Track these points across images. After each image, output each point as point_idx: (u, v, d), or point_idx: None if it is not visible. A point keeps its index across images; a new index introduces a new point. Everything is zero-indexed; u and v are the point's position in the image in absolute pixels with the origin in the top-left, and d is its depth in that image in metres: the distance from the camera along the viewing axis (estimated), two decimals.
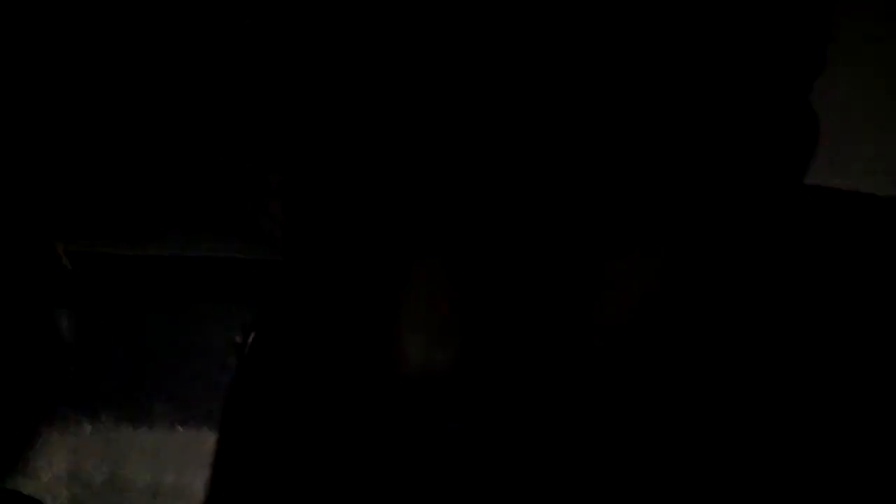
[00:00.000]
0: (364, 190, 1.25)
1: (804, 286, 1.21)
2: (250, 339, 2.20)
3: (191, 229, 2.50)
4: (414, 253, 1.25)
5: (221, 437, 1.58)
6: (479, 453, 1.20)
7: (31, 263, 2.40)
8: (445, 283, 1.20)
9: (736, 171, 1.08)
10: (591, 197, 1.07)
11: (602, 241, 1.11)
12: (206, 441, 3.01)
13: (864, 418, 1.19)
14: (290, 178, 1.48)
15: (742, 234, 1.16)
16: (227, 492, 1.49)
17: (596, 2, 1.00)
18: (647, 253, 1.11)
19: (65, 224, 2.34)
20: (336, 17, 1.11)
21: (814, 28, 0.99)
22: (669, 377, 1.17)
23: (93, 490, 3.08)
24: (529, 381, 1.17)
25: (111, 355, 3.15)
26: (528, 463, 1.18)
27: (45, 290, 2.46)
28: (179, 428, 3.09)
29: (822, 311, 1.21)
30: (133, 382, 3.12)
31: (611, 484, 1.18)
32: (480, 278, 1.13)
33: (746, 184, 1.08)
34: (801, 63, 1.04)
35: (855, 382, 1.20)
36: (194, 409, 3.04)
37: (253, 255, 2.55)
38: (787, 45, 0.99)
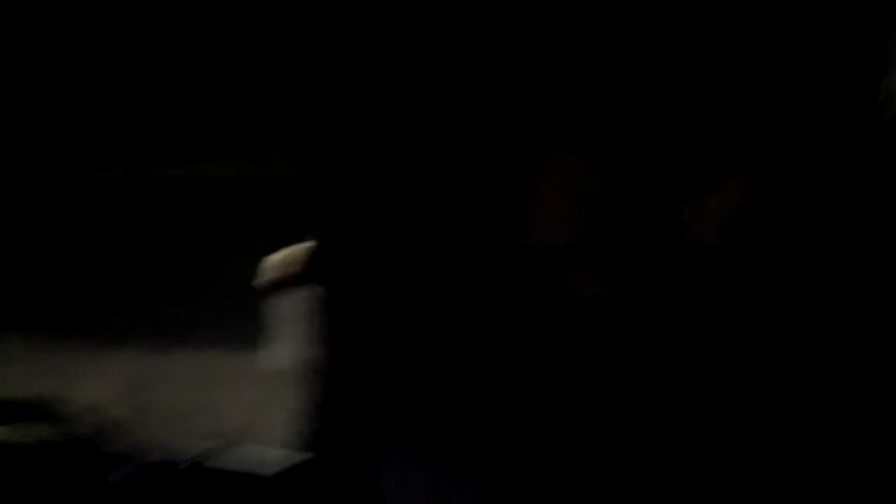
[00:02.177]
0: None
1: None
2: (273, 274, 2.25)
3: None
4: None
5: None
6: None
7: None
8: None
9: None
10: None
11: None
12: (231, 363, 3.10)
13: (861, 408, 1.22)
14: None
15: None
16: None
17: None
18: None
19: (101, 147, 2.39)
20: None
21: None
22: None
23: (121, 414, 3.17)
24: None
25: (137, 284, 3.23)
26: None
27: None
28: (205, 352, 3.17)
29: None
30: (158, 310, 3.20)
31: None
32: None
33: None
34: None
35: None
36: (218, 335, 3.12)
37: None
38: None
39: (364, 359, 1.53)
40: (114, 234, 3.12)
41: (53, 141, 2.32)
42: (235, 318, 3.12)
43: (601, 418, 1.32)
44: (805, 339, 1.25)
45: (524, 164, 1.29)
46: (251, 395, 3.07)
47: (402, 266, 1.57)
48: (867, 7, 1.04)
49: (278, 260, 2.29)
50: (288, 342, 3.04)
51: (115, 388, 3.24)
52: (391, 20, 1.44)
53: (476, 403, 1.40)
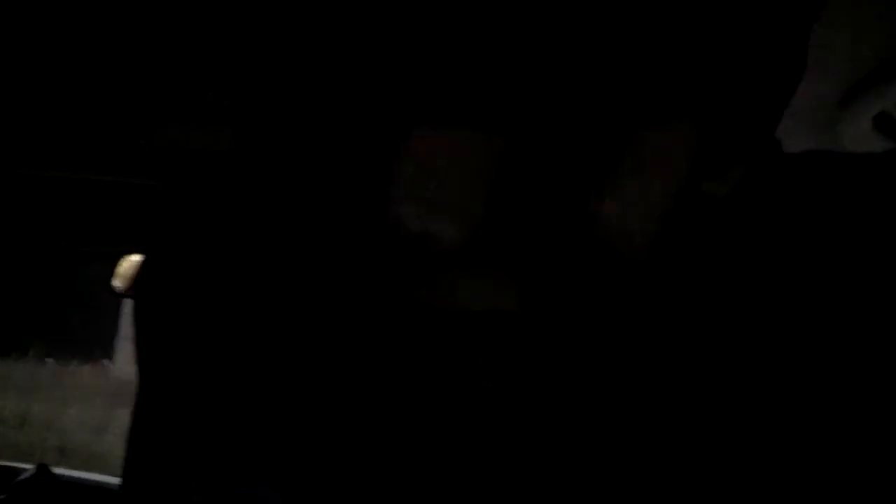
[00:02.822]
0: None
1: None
2: (129, 277, 2.24)
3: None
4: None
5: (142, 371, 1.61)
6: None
7: None
8: None
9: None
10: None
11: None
12: (76, 374, 3.05)
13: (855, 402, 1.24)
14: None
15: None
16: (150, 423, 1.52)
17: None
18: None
19: None
20: None
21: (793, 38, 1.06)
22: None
23: None
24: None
25: (12, 298, 3.15)
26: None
27: None
28: (49, 361, 3.11)
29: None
30: (2, 316, 3.13)
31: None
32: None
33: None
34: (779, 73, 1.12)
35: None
36: (66, 343, 3.07)
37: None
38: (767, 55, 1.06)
39: (186, 380, 1.52)
40: None
41: None
42: (84, 326, 3.07)
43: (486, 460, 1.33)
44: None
45: (387, 146, 1.27)
46: (94, 410, 3.02)
47: (232, 276, 1.57)
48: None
49: (124, 269, 2.27)
50: (131, 356, 3.00)
51: None
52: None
53: (318, 425, 1.39)
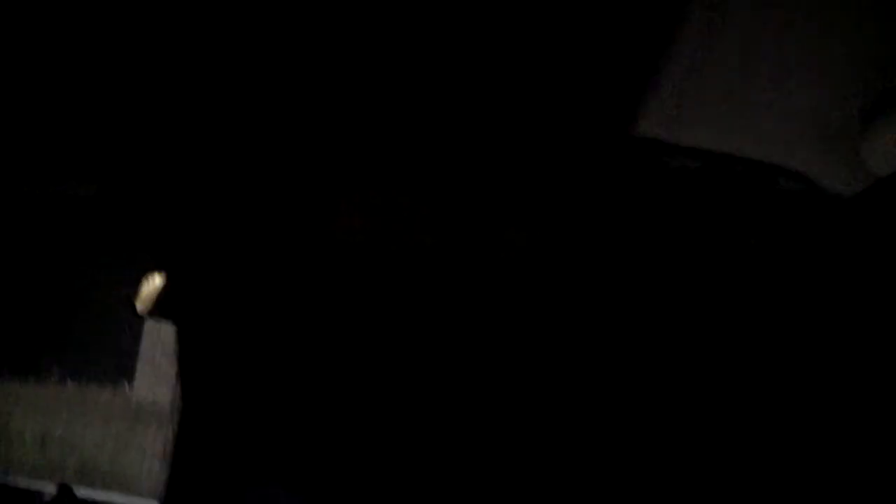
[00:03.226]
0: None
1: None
2: (145, 294, 2.26)
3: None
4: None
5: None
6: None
7: None
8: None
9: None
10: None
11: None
12: (96, 396, 3.06)
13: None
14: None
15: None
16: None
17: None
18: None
19: None
20: None
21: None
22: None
23: None
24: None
25: (29, 317, 3.16)
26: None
27: None
28: (69, 382, 3.12)
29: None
30: (23, 336, 3.14)
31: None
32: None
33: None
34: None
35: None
36: (84, 364, 3.07)
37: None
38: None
39: (224, 395, 1.54)
40: None
41: None
42: (104, 347, 3.08)
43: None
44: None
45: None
46: (114, 431, 3.02)
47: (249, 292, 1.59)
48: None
49: (146, 291, 2.28)
50: (162, 374, 3.01)
51: None
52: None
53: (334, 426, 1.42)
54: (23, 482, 2.75)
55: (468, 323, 1.30)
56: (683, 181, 1.20)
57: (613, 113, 1.10)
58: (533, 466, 1.31)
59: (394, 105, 1.28)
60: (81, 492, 2.58)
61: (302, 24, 1.16)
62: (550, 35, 1.10)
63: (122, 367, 3.07)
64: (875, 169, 1.18)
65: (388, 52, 1.16)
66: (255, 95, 1.33)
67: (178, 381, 1.73)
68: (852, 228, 1.20)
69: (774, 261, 1.26)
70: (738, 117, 1.11)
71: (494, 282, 1.28)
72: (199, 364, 1.66)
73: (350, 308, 1.37)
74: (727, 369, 1.29)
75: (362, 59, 1.18)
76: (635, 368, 1.32)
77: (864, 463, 1.24)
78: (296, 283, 1.42)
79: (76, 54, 1.43)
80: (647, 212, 1.25)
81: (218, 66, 1.30)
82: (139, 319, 2.83)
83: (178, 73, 1.36)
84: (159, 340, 2.90)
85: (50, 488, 2.56)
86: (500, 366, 1.31)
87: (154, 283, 2.25)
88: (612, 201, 1.26)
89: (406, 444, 1.26)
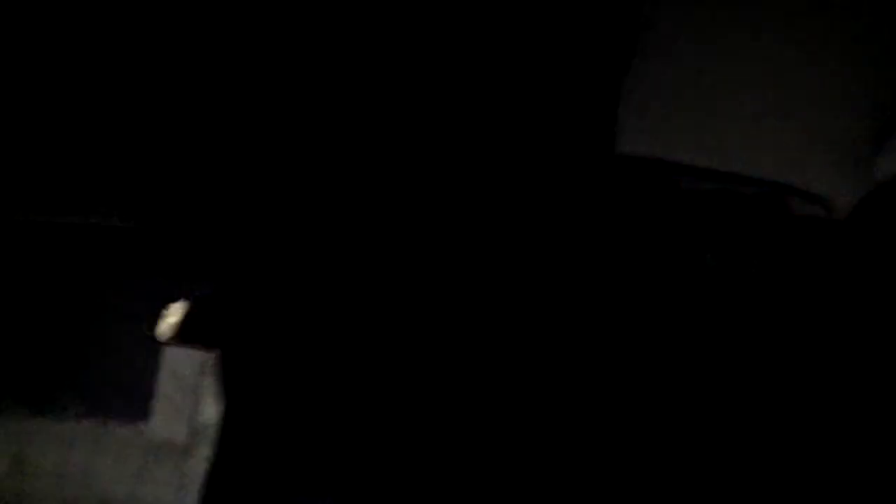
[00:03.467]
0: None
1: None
2: (163, 328, 2.26)
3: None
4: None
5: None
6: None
7: None
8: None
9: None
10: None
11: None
12: (113, 430, 3.06)
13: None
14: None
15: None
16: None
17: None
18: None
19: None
20: None
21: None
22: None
23: None
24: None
25: (17, 342, 3.16)
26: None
27: None
28: (87, 417, 3.12)
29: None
30: (41, 370, 3.14)
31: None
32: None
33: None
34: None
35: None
36: (102, 399, 3.07)
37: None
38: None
39: (267, 415, 1.54)
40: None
41: None
42: (122, 382, 3.08)
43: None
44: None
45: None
46: (131, 467, 3.02)
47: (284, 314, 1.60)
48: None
49: (168, 317, 2.28)
50: (177, 409, 3.01)
51: None
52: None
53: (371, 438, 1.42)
54: None
55: (476, 326, 1.30)
56: (692, 203, 1.20)
57: (609, 132, 1.10)
58: (532, 467, 1.30)
59: (393, 124, 1.28)
60: None
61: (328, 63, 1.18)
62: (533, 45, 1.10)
63: (138, 403, 3.07)
64: None
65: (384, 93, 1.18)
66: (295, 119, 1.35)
67: (222, 402, 1.74)
68: (855, 241, 1.20)
69: (781, 284, 1.26)
70: (743, 134, 1.11)
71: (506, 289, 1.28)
72: (245, 382, 1.66)
73: (392, 323, 1.38)
74: (727, 384, 1.29)
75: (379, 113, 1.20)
76: (632, 381, 1.32)
77: (849, 474, 1.24)
78: (336, 301, 1.43)
79: (114, 79, 1.45)
80: (652, 233, 1.25)
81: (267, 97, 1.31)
82: (156, 353, 2.83)
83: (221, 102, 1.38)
84: (175, 376, 2.91)
85: None
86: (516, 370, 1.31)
87: (175, 309, 2.25)
88: (611, 220, 1.26)
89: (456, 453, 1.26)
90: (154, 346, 2.75)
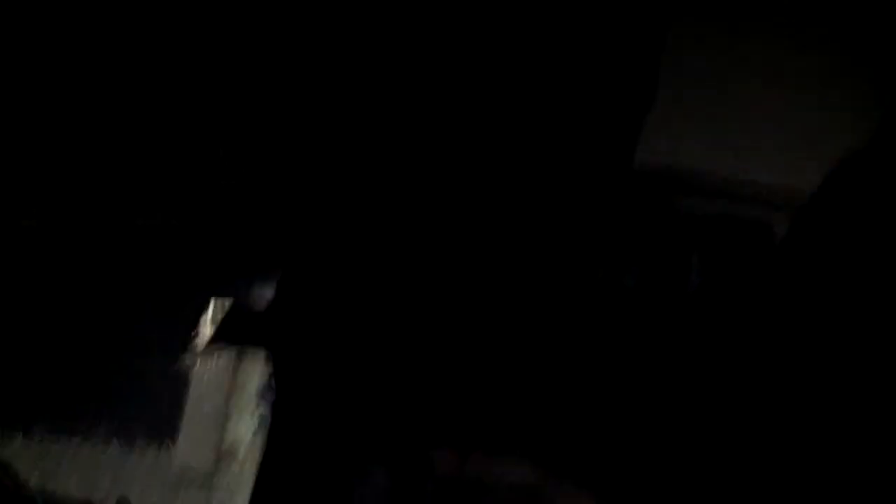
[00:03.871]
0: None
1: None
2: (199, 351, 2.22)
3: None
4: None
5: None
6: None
7: None
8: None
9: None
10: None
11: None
12: (140, 456, 3.03)
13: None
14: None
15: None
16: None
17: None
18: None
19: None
20: None
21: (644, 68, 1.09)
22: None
23: None
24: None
25: (44, 365, 3.15)
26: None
27: None
28: (113, 442, 3.10)
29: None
30: (65, 394, 3.13)
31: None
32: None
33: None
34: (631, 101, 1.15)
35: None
36: (130, 424, 3.05)
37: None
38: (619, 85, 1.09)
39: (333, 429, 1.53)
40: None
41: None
42: (149, 407, 3.06)
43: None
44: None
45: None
46: (157, 494, 3.00)
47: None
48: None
49: (212, 316, 2.23)
50: (195, 440, 2.98)
51: (17, 473, 3.14)
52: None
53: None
54: None
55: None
56: (688, 227, 1.20)
57: (614, 144, 1.09)
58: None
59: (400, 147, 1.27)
60: None
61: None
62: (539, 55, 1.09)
63: (165, 429, 3.05)
64: None
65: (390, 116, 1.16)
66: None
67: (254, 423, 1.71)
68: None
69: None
70: (744, 141, 1.10)
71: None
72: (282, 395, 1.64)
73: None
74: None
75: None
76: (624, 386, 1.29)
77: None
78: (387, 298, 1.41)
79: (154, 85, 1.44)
80: (645, 249, 1.25)
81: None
82: (182, 379, 2.81)
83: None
84: (200, 402, 2.88)
85: None
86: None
87: (213, 314, 2.21)
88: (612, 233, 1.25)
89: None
90: (180, 372, 2.72)
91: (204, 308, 2.22)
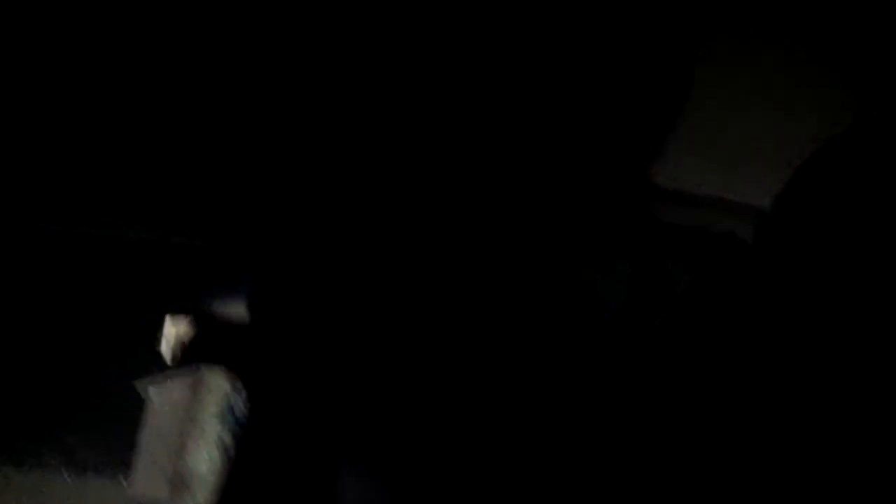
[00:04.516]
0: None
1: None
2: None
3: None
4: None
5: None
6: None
7: None
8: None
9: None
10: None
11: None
12: (91, 488, 2.94)
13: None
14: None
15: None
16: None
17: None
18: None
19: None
20: None
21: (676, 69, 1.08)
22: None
23: None
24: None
25: (28, 395, 3.06)
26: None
27: None
28: (64, 471, 3.02)
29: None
30: (16, 419, 3.04)
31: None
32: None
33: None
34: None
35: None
36: (80, 449, 2.97)
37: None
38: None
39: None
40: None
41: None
42: (105, 436, 2.98)
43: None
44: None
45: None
46: None
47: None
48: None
49: (173, 333, 2.14)
50: (150, 472, 2.89)
51: None
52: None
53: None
54: None
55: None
56: (672, 237, 1.20)
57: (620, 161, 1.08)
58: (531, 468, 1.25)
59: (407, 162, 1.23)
60: None
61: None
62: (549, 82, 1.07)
63: (120, 459, 2.96)
64: None
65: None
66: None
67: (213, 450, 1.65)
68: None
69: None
70: (736, 161, 1.10)
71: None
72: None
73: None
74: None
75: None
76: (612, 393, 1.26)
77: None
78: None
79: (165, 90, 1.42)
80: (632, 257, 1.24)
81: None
82: (137, 405, 2.72)
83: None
84: (157, 429, 2.79)
85: None
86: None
87: (180, 327, 2.12)
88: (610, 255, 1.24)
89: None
90: (135, 398, 2.64)
91: (162, 326, 2.13)
